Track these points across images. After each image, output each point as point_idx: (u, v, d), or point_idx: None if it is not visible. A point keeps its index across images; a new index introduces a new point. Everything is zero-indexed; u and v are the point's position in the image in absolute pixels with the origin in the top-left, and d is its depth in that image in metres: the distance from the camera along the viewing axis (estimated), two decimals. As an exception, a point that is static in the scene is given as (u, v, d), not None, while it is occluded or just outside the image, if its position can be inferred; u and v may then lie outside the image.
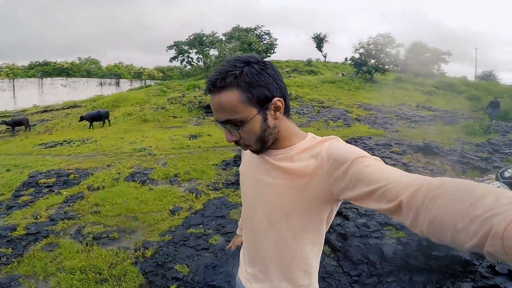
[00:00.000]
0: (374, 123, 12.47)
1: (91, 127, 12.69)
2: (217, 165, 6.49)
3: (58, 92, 24.98)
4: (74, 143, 9.87)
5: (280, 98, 0.71)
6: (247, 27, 31.83)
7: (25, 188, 5.68)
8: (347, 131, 10.86)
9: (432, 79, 23.85)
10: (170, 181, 5.71)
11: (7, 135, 12.64)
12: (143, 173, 6.08)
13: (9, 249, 3.30)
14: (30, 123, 13.27)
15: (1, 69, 28.38)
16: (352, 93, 19.10)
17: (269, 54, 31.09)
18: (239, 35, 29.53)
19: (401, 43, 22.75)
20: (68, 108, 16.94)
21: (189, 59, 34.20)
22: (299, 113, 14.23)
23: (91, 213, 4.25)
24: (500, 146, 8.05)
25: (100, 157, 7.75)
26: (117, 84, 31.62)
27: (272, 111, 0.71)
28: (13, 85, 24.00)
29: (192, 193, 4.98)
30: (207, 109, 14.92)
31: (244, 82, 0.67)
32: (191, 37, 32.39)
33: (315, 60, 31.69)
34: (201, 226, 3.72)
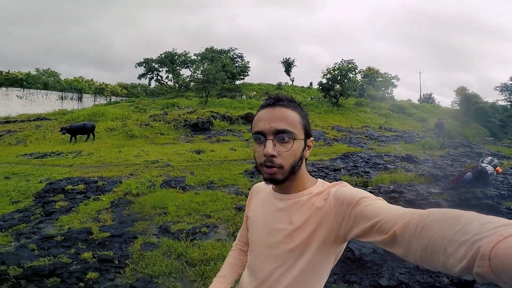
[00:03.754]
0: (350, 143, 14.04)
1: (74, 139, 11.92)
2: (242, 174, 6.96)
3: (12, 103, 22.50)
4: (66, 155, 9.33)
5: (313, 139, 0.79)
6: (221, 49, 32.37)
7: (51, 195, 5.45)
8: (330, 149, 12.09)
9: (386, 103, 27.33)
10: (208, 187, 6.03)
11: (-31, 148, 11.20)
12: (177, 181, 6.26)
13: (110, 251, 3.30)
14: (-2, 135, 11.98)
15: None
16: (323, 116, 20.99)
17: (242, 77, 32.13)
18: (213, 56, 30.19)
19: (362, 69, 25.76)
20: (35, 120, 15.55)
21: (159, 77, 33.99)
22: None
23: (159, 214, 4.42)
24: (457, 157, 10.01)
25: (112, 168, 7.57)
26: (80, 99, 29.58)
27: (307, 147, 0.77)
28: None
29: (240, 195, 5.42)
30: (194, 128, 15.16)
31: (302, 111, 0.77)
32: (163, 55, 32.30)
33: (285, 83, 33.77)
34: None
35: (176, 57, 32.08)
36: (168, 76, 34.06)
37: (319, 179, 0.82)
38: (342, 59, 24.27)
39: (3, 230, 3.90)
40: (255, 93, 26.66)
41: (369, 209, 0.60)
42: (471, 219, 0.42)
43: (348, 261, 2.85)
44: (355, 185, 5.71)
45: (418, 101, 37.03)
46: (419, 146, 12.89)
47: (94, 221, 4.23)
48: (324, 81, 24.22)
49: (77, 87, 32.13)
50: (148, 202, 4.96)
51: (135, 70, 34.01)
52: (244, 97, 25.29)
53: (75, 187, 5.75)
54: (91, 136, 12.36)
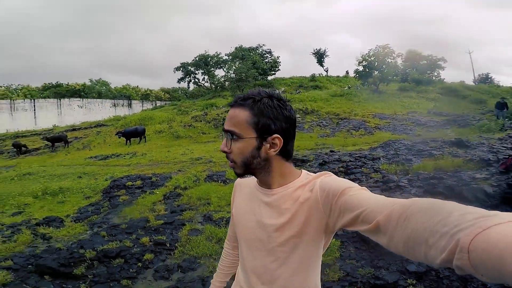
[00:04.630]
0: (394, 130, 13.37)
1: (128, 142, 13.37)
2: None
3: (75, 112, 25.80)
4: (124, 156, 10.55)
5: (279, 137, 0.75)
6: (249, 47, 32.59)
7: (115, 190, 6.32)
8: (371, 138, 11.67)
9: (434, 86, 25.13)
10: (247, 181, 6.40)
11: (47, 151, 13.31)
12: (219, 175, 6.77)
13: (163, 236, 3.83)
14: (68, 140, 13.97)
15: (18, 90, 29.21)
16: (363, 105, 20.12)
17: (273, 72, 32.08)
18: (243, 54, 30.45)
19: (401, 53, 24.03)
20: (95, 127, 17.63)
21: (196, 80, 35.33)
22: (320, 126, 15.10)
23: (203, 205, 4.92)
24: (520, 139, 8.97)
25: (163, 165, 8.43)
26: (129, 105, 32.60)
27: (268, 145, 0.75)
28: (34, 106, 24.83)
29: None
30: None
31: (257, 108, 0.74)
32: (197, 58, 33.45)
33: (318, 75, 32.96)
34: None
35: (209, 58, 32.90)
36: (204, 78, 35.26)
37: (303, 170, 0.83)
38: (377, 45, 23.01)
39: (81, 221, 4.73)
40: (283, 89, 26.45)
41: (353, 199, 0.61)
42: (452, 209, 0.42)
43: (378, 246, 2.94)
44: (395, 173, 5.61)
45: (474, 82, 33.24)
46: (475, 130, 11.76)
47: (150, 212, 4.87)
48: (361, 68, 23.09)
49: (126, 94, 35.25)
50: (194, 194, 5.52)
51: (174, 74, 35.82)
52: (276, 92, 25.37)
53: (134, 183, 6.59)
54: (143, 138, 13.71)
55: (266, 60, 31.84)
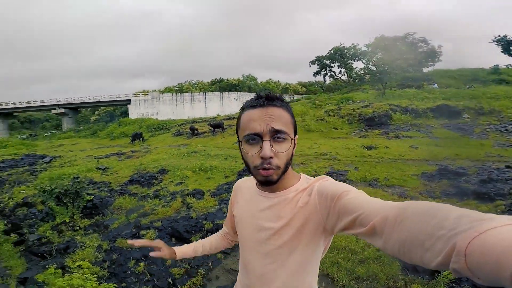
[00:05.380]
0: None
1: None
2: (417, 175, 6.08)
3: (232, 104, 31.16)
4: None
5: (297, 137, 0.79)
6: (394, 36, 28.48)
7: (247, 173, 7.28)
8: None
9: None
10: (369, 184, 5.83)
11: (210, 135, 16.95)
12: (339, 174, 6.50)
13: None
14: (224, 127, 17.24)
15: (195, 85, 38.49)
16: None
17: (432, 63, 26.75)
18: (385, 44, 27.28)
19: None
20: (243, 118, 20.77)
21: (332, 73, 34.76)
22: (501, 131, 11.30)
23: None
24: None
25: (289, 157, 8.94)
26: (271, 98, 36.09)
27: (295, 144, 0.76)
28: (205, 97, 32.06)
29: (404, 197, 4.88)
30: (369, 122, 14.58)
31: (289, 108, 0.76)
32: (332, 51, 32.74)
33: (505, 66, 24.65)
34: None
35: (345, 51, 31.50)
36: (340, 71, 34.15)
37: (302, 174, 0.82)
38: None
39: (215, 196, 5.74)
40: (435, 84, 21.20)
41: (351, 202, 0.61)
42: (448, 212, 0.42)
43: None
44: None
45: None
46: None
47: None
48: None
49: (268, 88, 39.10)
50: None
51: (310, 68, 36.30)
52: (435, 86, 20.81)
53: (260, 170, 7.39)
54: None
55: (421, 50, 26.80)
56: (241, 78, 40.12)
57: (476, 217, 0.38)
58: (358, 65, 31.70)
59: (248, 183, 0.91)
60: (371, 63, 25.75)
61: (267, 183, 0.74)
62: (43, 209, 5.64)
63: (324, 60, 33.91)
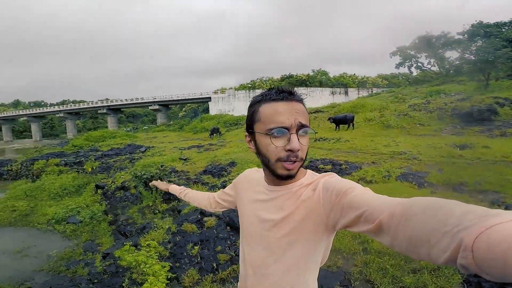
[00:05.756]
0: None
1: (338, 128, 14.22)
2: (524, 181, 4.88)
3: (302, 99, 30.73)
4: (329, 141, 11.43)
5: None
6: (495, 22, 23.77)
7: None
8: None
9: None
10: (453, 188, 4.98)
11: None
12: (417, 175, 5.73)
13: None
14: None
15: (266, 81, 39.29)
16: None
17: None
18: (486, 32, 22.32)
19: None
20: (314, 112, 20.12)
21: (419, 64, 30.83)
22: None
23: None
24: None
25: (359, 155, 8.32)
26: (346, 93, 34.01)
27: None
28: (275, 94, 32.71)
29: (498, 205, 4.01)
30: (467, 118, 12.33)
31: (304, 102, 0.78)
32: (416, 41, 29.14)
33: None
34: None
35: (434, 39, 27.16)
36: (429, 61, 29.96)
37: (308, 170, 0.82)
38: None
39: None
40: None
41: (356, 199, 0.60)
42: (453, 208, 0.41)
43: None
44: None
45: None
46: None
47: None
48: None
49: (343, 83, 36.81)
50: (377, 191, 5.09)
51: (391, 60, 32.56)
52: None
53: (325, 166, 7.12)
54: (351, 125, 14.01)
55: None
56: (311, 73, 39.15)
57: (482, 213, 0.38)
58: (453, 54, 27.00)
59: (257, 174, 0.91)
60: (468, 52, 21.81)
61: (287, 177, 0.75)
62: (135, 192, 6.75)
63: (408, 51, 30.39)
